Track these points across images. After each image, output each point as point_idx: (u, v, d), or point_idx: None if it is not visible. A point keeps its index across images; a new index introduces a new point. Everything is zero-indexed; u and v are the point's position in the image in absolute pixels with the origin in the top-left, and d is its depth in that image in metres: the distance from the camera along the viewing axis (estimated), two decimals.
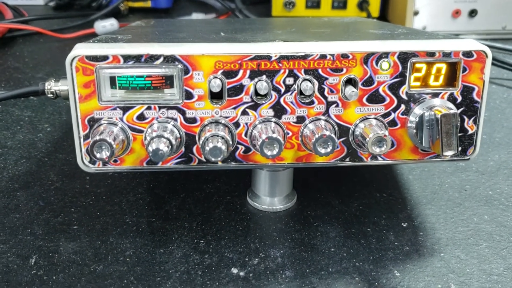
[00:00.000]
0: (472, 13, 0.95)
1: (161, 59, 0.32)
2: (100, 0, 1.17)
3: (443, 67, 0.34)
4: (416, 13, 0.97)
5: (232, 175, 0.46)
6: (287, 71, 0.33)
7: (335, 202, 0.42)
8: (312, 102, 0.34)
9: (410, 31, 0.42)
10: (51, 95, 0.39)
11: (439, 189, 0.45)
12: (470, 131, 0.36)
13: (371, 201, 0.42)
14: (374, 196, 0.43)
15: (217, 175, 0.46)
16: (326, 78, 0.33)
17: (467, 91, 0.35)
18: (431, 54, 0.34)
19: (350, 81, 0.34)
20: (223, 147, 0.32)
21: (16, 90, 0.49)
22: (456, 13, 0.96)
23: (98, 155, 0.31)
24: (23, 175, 0.46)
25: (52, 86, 0.39)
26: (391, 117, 0.35)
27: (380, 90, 0.34)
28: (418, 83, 0.34)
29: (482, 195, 0.44)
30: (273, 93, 0.34)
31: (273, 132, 0.33)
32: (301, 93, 0.34)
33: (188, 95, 0.33)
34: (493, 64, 0.33)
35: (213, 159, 0.32)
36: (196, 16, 1.13)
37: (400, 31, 0.43)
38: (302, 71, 0.33)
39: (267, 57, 0.33)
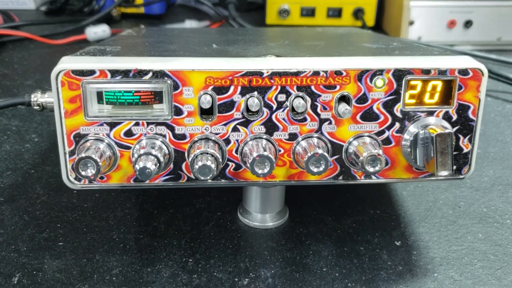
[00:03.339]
0: (468, 23, 0.95)
1: (150, 74, 0.31)
2: (92, 6, 1.16)
3: (439, 84, 0.33)
4: (411, 23, 0.97)
5: (223, 189, 0.45)
6: (279, 87, 0.32)
7: (328, 219, 0.41)
8: (304, 119, 0.33)
9: (405, 46, 0.42)
10: (37, 107, 0.38)
11: (433, 206, 0.44)
12: (465, 150, 0.35)
13: (365, 218, 0.42)
14: (368, 212, 0.42)
15: (207, 190, 0.45)
16: (319, 95, 0.33)
17: (462, 109, 0.34)
18: (427, 71, 0.33)
19: (343, 98, 0.33)
20: (213, 166, 0.31)
21: (0, 101, 0.47)
22: (452, 23, 0.96)
23: (83, 173, 0.30)
24: (8, 188, 0.45)
25: (38, 98, 0.38)
26: (385, 135, 0.34)
27: (374, 107, 0.33)
28: (413, 101, 0.34)
29: (476, 212, 0.43)
30: (265, 110, 0.33)
31: (264, 150, 0.32)
32: (293, 110, 0.33)
33: (178, 111, 0.32)
34: (488, 76, 0.32)
35: (202, 178, 0.31)
36: (190, 23, 1.12)
37: (395, 45, 0.42)
38: (295, 87, 0.32)
39: (259, 73, 0.32)
